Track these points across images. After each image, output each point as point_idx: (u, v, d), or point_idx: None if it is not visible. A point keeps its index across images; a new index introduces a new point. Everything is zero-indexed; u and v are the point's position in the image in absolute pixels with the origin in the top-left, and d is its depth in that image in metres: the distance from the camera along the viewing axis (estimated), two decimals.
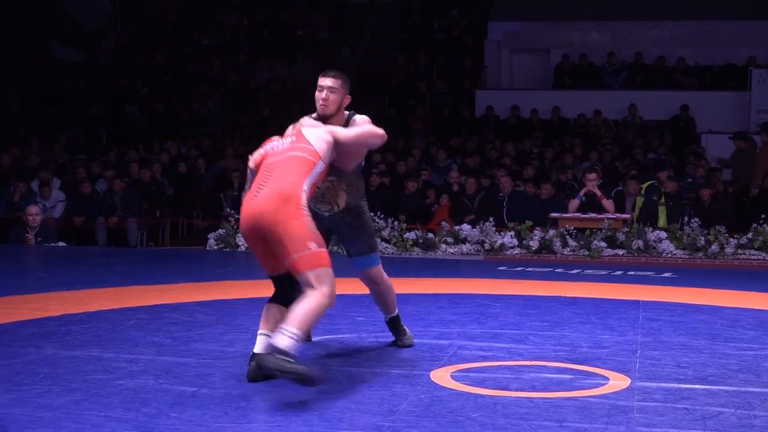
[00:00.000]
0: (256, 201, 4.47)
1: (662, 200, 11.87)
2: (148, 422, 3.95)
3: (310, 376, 4.15)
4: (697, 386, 4.62)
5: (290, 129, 5.00)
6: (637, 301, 7.31)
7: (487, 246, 11.07)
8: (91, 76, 19.99)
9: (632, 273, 9.38)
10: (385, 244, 10.97)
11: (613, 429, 3.91)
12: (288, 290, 4.69)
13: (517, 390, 4.50)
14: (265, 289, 7.34)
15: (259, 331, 4.65)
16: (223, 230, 11.45)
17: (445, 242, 11.18)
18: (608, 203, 11.55)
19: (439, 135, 17.14)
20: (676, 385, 4.63)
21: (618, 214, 11.46)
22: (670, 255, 10.79)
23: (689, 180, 13.64)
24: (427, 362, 5.11)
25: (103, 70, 20.41)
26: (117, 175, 13.71)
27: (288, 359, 4.11)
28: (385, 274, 5.36)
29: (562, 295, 7.61)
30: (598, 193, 11.58)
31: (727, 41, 18.51)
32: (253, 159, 4.75)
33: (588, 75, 18.59)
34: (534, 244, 10.95)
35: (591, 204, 11.54)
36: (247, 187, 4.76)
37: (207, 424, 3.94)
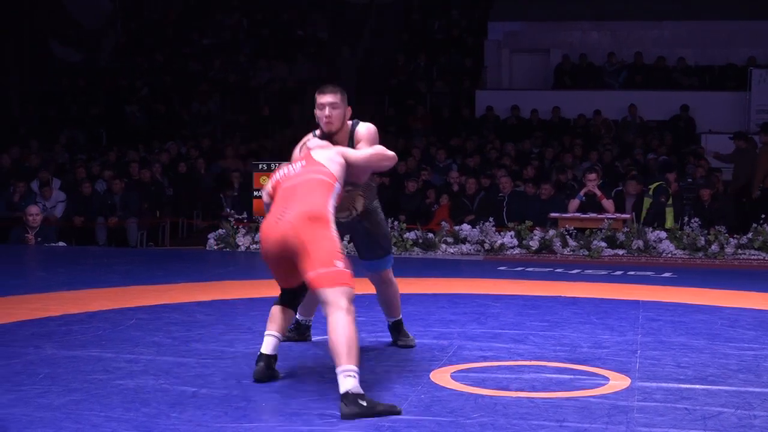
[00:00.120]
0: (282, 223, 4.39)
1: (669, 201, 11.85)
2: (148, 422, 3.95)
3: (396, 411, 4.09)
4: (697, 386, 4.62)
5: (297, 151, 4.96)
6: (637, 301, 7.31)
7: (487, 246, 11.06)
8: (91, 76, 19.99)
9: (632, 273, 9.38)
10: None
11: (613, 429, 3.91)
12: (296, 294, 4.69)
13: (517, 390, 4.50)
14: (266, 289, 7.36)
15: (267, 332, 4.63)
16: (223, 230, 11.45)
17: (445, 242, 11.18)
18: (608, 203, 11.55)
19: (439, 135, 17.14)
20: (676, 385, 4.63)
21: (618, 214, 11.45)
22: (670, 255, 10.79)
23: (689, 180, 13.63)
24: (427, 362, 5.11)
25: (103, 70, 20.41)
26: (116, 175, 13.71)
27: (364, 402, 4.03)
28: (393, 277, 5.39)
29: (562, 295, 7.60)
30: (598, 193, 11.57)
31: (727, 41, 18.51)
32: (267, 191, 4.70)
33: (588, 75, 18.59)
34: (534, 244, 10.95)
35: (591, 204, 11.54)
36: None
37: (207, 424, 3.94)
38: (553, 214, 11.57)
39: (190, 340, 5.60)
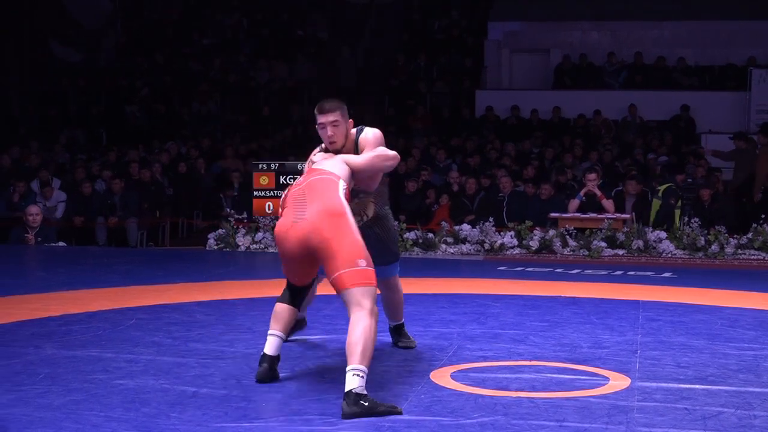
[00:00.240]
0: (301, 224, 4.39)
1: (678, 204, 11.84)
2: (148, 422, 3.95)
3: (396, 411, 4.10)
4: (697, 386, 4.62)
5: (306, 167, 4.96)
6: (637, 301, 7.30)
7: (487, 246, 11.06)
8: (91, 76, 19.99)
9: (632, 273, 9.38)
10: None
11: (613, 429, 3.91)
12: (301, 291, 4.68)
13: (517, 390, 4.51)
14: (266, 289, 7.36)
15: (270, 332, 4.62)
16: (223, 230, 11.44)
17: (445, 242, 11.18)
18: (608, 203, 11.54)
19: (439, 135, 17.15)
20: (676, 385, 4.63)
21: (618, 214, 11.45)
22: (670, 255, 10.78)
23: (689, 180, 13.63)
24: (427, 362, 5.11)
25: (103, 70, 20.41)
26: (116, 175, 13.70)
27: (365, 402, 4.04)
28: (400, 283, 5.40)
29: (562, 295, 7.60)
30: (598, 193, 11.57)
31: (727, 41, 18.51)
32: (280, 204, 4.73)
33: (588, 75, 18.59)
34: (534, 244, 10.94)
35: (591, 204, 11.53)
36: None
37: (207, 424, 3.94)
38: (553, 214, 11.57)
39: (190, 340, 5.60)
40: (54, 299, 7.07)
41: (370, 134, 4.93)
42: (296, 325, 5.45)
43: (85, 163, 15.45)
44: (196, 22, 21.81)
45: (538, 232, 11.06)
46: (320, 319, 6.14)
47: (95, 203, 13.24)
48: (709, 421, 4.03)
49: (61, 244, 11.49)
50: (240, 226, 11.45)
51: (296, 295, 4.69)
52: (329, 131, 4.78)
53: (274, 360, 4.61)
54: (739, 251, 10.79)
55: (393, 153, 4.92)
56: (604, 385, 4.64)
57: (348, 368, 4.11)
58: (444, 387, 4.58)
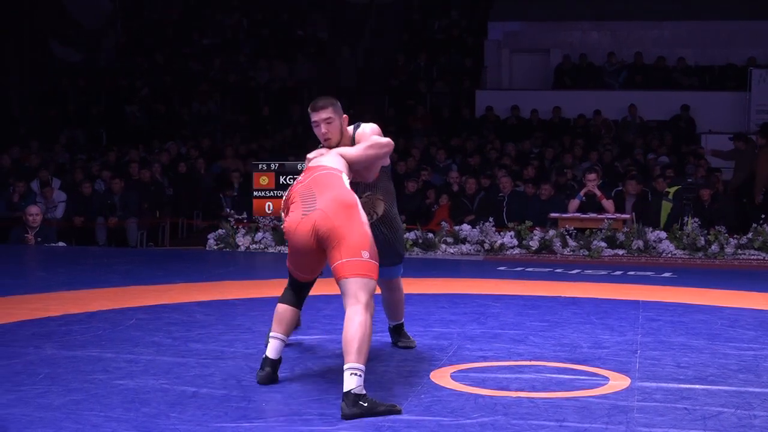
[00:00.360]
0: (312, 214, 4.36)
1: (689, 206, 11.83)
2: (148, 422, 3.95)
3: (396, 410, 4.11)
4: (697, 386, 4.62)
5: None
6: (637, 301, 7.30)
7: (487, 246, 11.06)
8: (91, 76, 19.99)
9: (632, 273, 9.38)
10: None
11: (613, 429, 3.91)
12: (303, 289, 4.67)
13: (517, 390, 4.51)
14: (266, 289, 7.36)
15: (272, 334, 4.61)
16: (223, 230, 11.44)
17: (445, 242, 11.18)
18: (608, 203, 11.54)
19: (439, 135, 17.15)
20: (676, 385, 4.63)
21: (618, 214, 11.45)
22: (670, 255, 10.78)
23: (689, 180, 13.64)
24: (427, 362, 5.11)
25: (103, 70, 20.41)
26: (115, 175, 13.70)
27: (365, 403, 4.04)
28: (402, 284, 5.40)
29: (562, 295, 7.60)
30: (598, 193, 11.57)
31: (727, 41, 18.51)
32: (281, 207, 4.70)
33: (588, 75, 18.59)
34: (534, 244, 10.94)
35: (591, 204, 11.53)
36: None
37: (207, 424, 3.94)
38: (553, 214, 11.57)
39: (190, 340, 5.60)
40: (54, 299, 7.07)
41: (368, 129, 4.94)
42: None
43: (85, 163, 15.45)
44: (196, 22, 21.81)
45: (538, 233, 11.06)
46: (320, 319, 6.14)
47: (95, 203, 13.24)
48: (709, 421, 4.03)
49: (61, 244, 11.49)
50: (240, 226, 11.45)
51: (300, 293, 4.67)
52: (323, 128, 4.79)
53: (276, 363, 4.61)
54: (739, 251, 10.80)
55: (386, 140, 4.91)
56: (604, 385, 4.64)
57: (345, 367, 4.11)
58: (444, 387, 4.58)
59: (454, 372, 4.88)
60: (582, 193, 11.65)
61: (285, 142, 17.01)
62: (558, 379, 4.74)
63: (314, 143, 5.16)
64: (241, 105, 19.04)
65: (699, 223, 11.19)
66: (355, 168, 4.78)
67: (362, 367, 4.12)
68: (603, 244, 10.88)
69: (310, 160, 4.78)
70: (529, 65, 19.42)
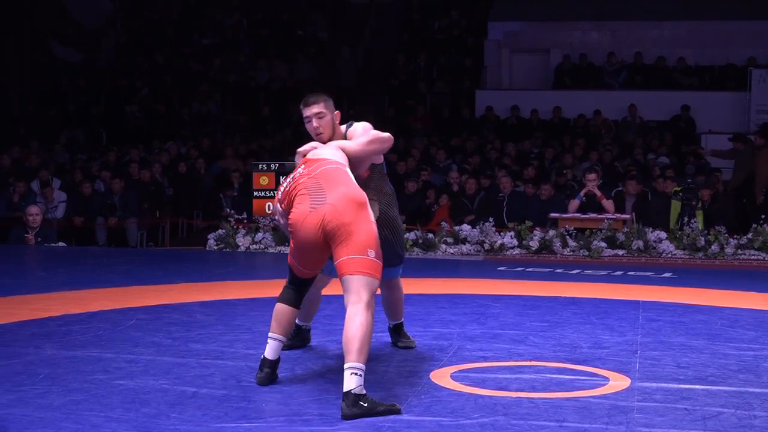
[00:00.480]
0: (322, 208, 4.34)
1: (699, 204, 11.82)
2: (148, 422, 3.95)
3: (395, 410, 4.11)
4: (697, 386, 4.62)
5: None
6: (637, 301, 7.30)
7: (487, 246, 11.06)
8: (91, 76, 20.00)
9: (632, 273, 9.37)
10: None
11: (613, 429, 3.91)
12: (305, 286, 4.66)
13: (517, 390, 4.51)
14: (266, 289, 7.36)
15: (271, 335, 4.60)
16: (223, 230, 11.44)
17: (445, 242, 11.18)
18: (608, 203, 11.54)
19: (439, 135, 17.15)
20: (676, 385, 4.63)
21: (618, 214, 11.45)
22: (670, 255, 10.78)
23: (689, 180, 13.64)
24: (427, 363, 5.11)
25: (103, 70, 20.41)
26: (115, 175, 13.70)
27: (365, 403, 4.05)
28: (401, 283, 5.40)
29: (562, 295, 7.60)
30: (598, 193, 11.57)
31: (727, 41, 18.51)
32: (278, 206, 4.67)
33: (588, 75, 18.59)
34: (534, 244, 10.94)
35: (591, 204, 11.53)
36: (283, 227, 4.70)
37: (207, 424, 3.94)
38: (553, 215, 11.57)
39: (190, 341, 5.60)
40: (54, 299, 7.07)
41: (359, 127, 4.95)
42: (297, 340, 5.43)
43: (85, 163, 15.45)
44: (196, 22, 21.81)
45: (538, 233, 11.06)
46: (320, 319, 6.14)
47: (95, 203, 13.24)
48: (709, 421, 4.03)
49: (61, 244, 11.49)
50: (240, 227, 11.45)
51: (299, 290, 4.64)
52: (314, 123, 4.81)
53: (274, 364, 4.60)
54: (739, 251, 10.79)
55: (387, 135, 4.93)
56: (604, 385, 4.64)
57: (346, 366, 4.11)
58: (444, 387, 4.58)
59: (454, 372, 4.88)
60: (582, 193, 11.65)
61: (285, 142, 17.00)
62: (558, 379, 4.74)
63: None
64: (241, 105, 19.04)
65: (696, 223, 11.19)
66: (354, 162, 4.77)
67: (363, 366, 4.12)
68: (603, 244, 10.88)
69: (305, 152, 4.75)
70: (529, 65, 19.42)
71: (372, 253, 4.30)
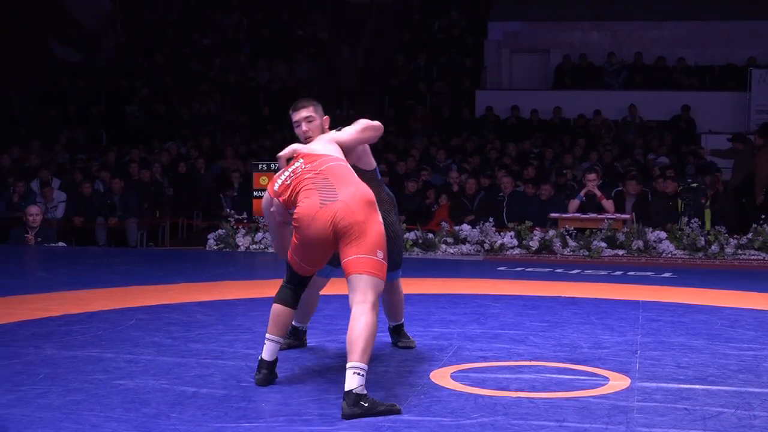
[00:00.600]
0: (333, 205, 4.31)
1: (707, 203, 11.82)
2: (148, 422, 3.95)
3: (395, 410, 4.11)
4: (697, 386, 4.62)
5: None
6: (637, 301, 7.30)
7: (487, 246, 11.06)
8: (91, 76, 20.00)
9: (632, 273, 9.37)
10: None
11: (613, 429, 3.91)
12: (303, 284, 4.64)
13: (517, 390, 4.51)
14: (266, 289, 7.36)
15: (268, 336, 4.59)
16: (223, 230, 11.44)
17: (445, 242, 11.18)
18: (608, 203, 11.54)
19: (439, 135, 17.15)
20: (676, 385, 4.63)
21: (618, 214, 11.45)
22: (670, 255, 10.78)
23: (689, 180, 13.63)
24: (427, 363, 5.11)
25: (103, 70, 20.41)
26: (114, 175, 13.70)
27: (366, 403, 4.05)
28: (402, 285, 5.40)
29: (562, 295, 7.60)
30: (598, 193, 11.57)
31: (727, 41, 18.51)
32: (273, 194, 4.58)
33: (588, 75, 18.59)
34: (534, 244, 10.94)
35: (591, 204, 11.53)
36: (272, 222, 4.68)
37: (207, 425, 3.94)
38: (553, 215, 11.57)
39: (190, 341, 5.60)
40: (54, 299, 7.07)
41: (350, 128, 4.93)
42: (294, 339, 5.43)
43: (85, 163, 15.44)
44: (196, 22, 21.81)
45: (538, 233, 11.06)
46: (320, 319, 6.14)
47: (95, 203, 13.24)
48: (709, 421, 4.03)
49: (61, 244, 11.49)
50: (240, 227, 11.45)
51: (297, 289, 4.62)
52: (304, 127, 4.83)
53: (272, 365, 4.60)
54: (739, 251, 10.79)
55: (376, 123, 4.93)
56: (604, 385, 4.64)
57: (348, 365, 4.11)
58: (444, 387, 4.58)
59: (454, 372, 4.88)
60: (582, 193, 11.65)
61: (285, 142, 16.91)
62: (558, 379, 4.74)
63: None
64: (241, 105, 19.04)
65: (699, 223, 11.19)
66: (347, 152, 4.76)
67: (365, 366, 4.12)
68: (603, 244, 10.88)
69: (287, 156, 4.69)
70: (529, 65, 19.42)
71: (380, 255, 4.31)
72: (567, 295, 7.57)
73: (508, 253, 10.98)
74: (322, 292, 5.40)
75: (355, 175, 4.55)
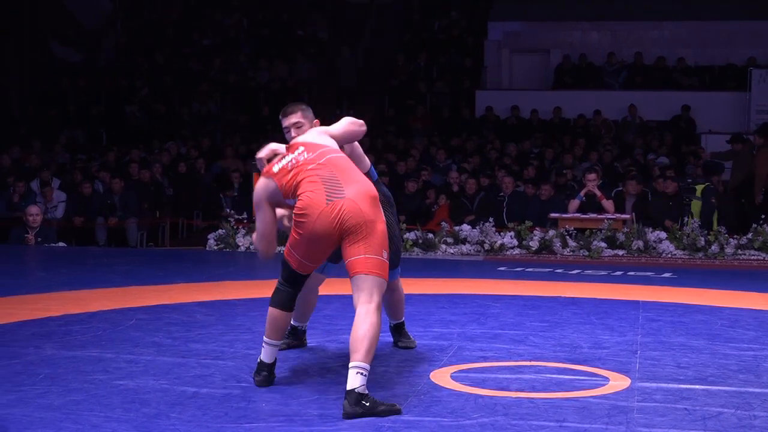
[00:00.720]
0: (340, 202, 4.28)
1: (716, 203, 11.81)
2: (148, 422, 3.95)
3: (396, 410, 4.11)
4: (697, 386, 4.62)
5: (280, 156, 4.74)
6: (637, 302, 7.30)
7: (487, 246, 11.06)
8: (91, 76, 19.99)
9: (632, 273, 9.37)
10: None
11: (613, 429, 3.91)
12: (300, 282, 4.62)
13: (517, 390, 4.51)
14: (266, 289, 7.33)
15: (266, 340, 4.57)
16: (223, 230, 11.44)
17: (445, 242, 11.18)
18: (608, 203, 11.54)
19: (439, 135, 17.15)
20: (676, 386, 4.63)
21: (618, 215, 11.45)
22: (670, 255, 10.78)
23: (689, 180, 13.63)
24: (427, 363, 5.11)
25: (103, 70, 20.41)
26: (114, 175, 13.70)
27: (367, 402, 4.05)
28: (401, 284, 5.40)
29: (562, 295, 7.60)
30: (598, 193, 11.57)
31: (727, 41, 18.51)
32: (270, 171, 4.50)
33: (588, 75, 18.59)
34: (534, 244, 10.94)
35: (591, 204, 11.53)
36: (265, 216, 4.57)
37: (207, 425, 3.94)
38: (553, 215, 11.57)
39: (190, 341, 5.60)
40: (54, 299, 7.07)
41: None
42: (293, 338, 5.42)
43: (85, 163, 15.44)
44: (196, 22, 21.80)
45: (538, 233, 11.06)
46: (320, 319, 6.14)
47: (95, 203, 13.24)
48: (709, 422, 4.03)
49: (61, 244, 11.49)
50: (240, 227, 11.45)
51: (294, 288, 4.57)
52: (293, 133, 4.84)
53: (271, 367, 4.59)
54: (739, 251, 10.79)
55: (360, 120, 4.90)
56: (604, 385, 4.64)
57: (351, 365, 4.11)
58: (444, 387, 4.58)
59: (454, 372, 4.88)
60: (582, 193, 11.65)
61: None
62: (558, 379, 4.74)
63: None
64: (241, 105, 19.04)
65: (699, 223, 11.19)
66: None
67: (368, 367, 4.12)
68: (603, 244, 10.88)
69: (268, 156, 4.66)
70: (529, 65, 19.42)
71: (385, 255, 4.33)
72: (567, 295, 7.57)
73: (508, 253, 10.98)
74: (321, 292, 5.40)
75: (357, 168, 4.55)
